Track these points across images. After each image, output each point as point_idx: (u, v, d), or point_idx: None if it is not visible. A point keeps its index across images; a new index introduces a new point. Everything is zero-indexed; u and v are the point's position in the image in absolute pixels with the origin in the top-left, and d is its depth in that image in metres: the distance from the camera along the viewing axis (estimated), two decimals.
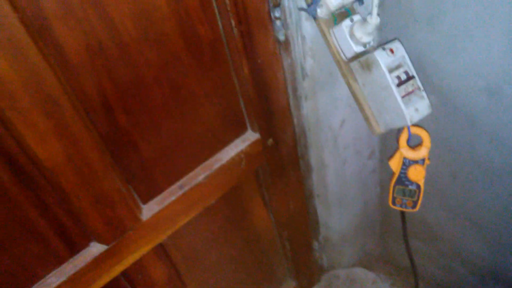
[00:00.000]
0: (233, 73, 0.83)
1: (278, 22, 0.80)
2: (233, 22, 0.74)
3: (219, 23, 0.75)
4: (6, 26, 0.51)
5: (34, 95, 0.57)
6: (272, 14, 0.79)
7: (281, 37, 0.83)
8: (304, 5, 0.80)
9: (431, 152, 0.90)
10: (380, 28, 0.93)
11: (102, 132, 0.68)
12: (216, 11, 0.73)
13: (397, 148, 0.87)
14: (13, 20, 0.52)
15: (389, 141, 1.18)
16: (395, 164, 0.89)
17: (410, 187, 0.91)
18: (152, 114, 0.74)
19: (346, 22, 0.78)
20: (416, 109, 0.79)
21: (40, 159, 0.61)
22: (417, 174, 0.88)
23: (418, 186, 0.90)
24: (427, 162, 0.88)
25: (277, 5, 0.78)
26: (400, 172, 0.89)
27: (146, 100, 0.72)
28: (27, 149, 0.60)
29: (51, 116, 0.60)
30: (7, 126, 0.58)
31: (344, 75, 0.85)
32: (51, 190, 0.67)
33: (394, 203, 0.94)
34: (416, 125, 0.84)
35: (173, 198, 0.84)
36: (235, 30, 0.75)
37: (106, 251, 0.77)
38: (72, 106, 0.61)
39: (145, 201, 0.82)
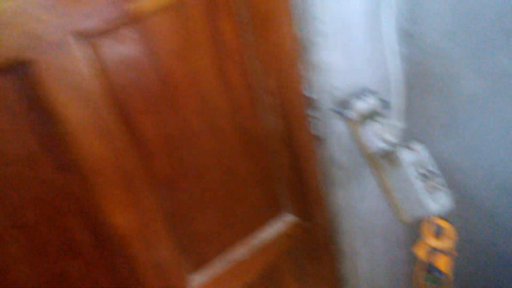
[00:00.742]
0: (274, 161, 0.95)
1: (314, 120, 0.94)
2: (276, 119, 0.89)
3: (266, 118, 0.89)
4: (102, 118, 0.67)
5: (118, 172, 0.71)
6: (309, 113, 0.94)
7: (317, 133, 0.96)
8: (337, 108, 0.94)
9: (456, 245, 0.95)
10: (404, 129, 1.04)
11: (166, 206, 0.81)
12: (263, 108, 0.88)
13: (422, 237, 0.95)
14: (109, 114, 0.67)
15: (418, 232, 1.23)
16: (420, 251, 0.95)
17: (436, 275, 0.96)
18: (208, 192, 0.86)
19: (374, 124, 0.91)
20: (437, 202, 0.87)
21: (116, 227, 0.74)
22: (442, 263, 0.94)
23: (445, 274, 0.96)
24: (452, 252, 0.94)
25: (314, 106, 0.93)
26: (426, 260, 0.95)
27: (205, 180, 0.85)
28: (107, 218, 0.73)
29: (129, 190, 0.73)
30: (93, 197, 0.71)
31: (372, 168, 0.97)
32: (120, 255, 0.78)
33: None
34: (439, 217, 0.92)
35: (219, 270, 0.93)
36: (278, 125, 0.90)
37: None
38: (147, 183, 0.75)
39: (194, 271, 0.91)
